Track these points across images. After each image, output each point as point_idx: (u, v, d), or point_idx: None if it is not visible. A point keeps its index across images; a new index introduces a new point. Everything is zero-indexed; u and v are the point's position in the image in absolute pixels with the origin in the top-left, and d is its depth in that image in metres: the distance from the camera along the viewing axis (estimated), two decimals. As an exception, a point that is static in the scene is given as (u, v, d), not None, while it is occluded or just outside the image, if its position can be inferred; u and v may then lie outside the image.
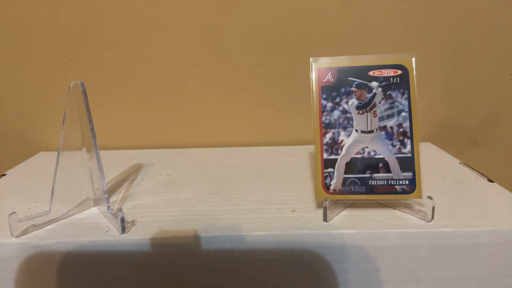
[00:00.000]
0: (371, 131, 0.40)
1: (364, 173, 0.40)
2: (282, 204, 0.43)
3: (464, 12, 0.62)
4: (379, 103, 0.40)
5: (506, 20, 0.63)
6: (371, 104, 0.40)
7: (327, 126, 0.41)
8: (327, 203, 0.39)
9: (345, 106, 0.41)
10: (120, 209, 0.37)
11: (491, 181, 0.48)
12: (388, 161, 0.40)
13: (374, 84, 0.40)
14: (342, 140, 0.40)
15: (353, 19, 0.62)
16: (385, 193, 0.40)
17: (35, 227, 0.38)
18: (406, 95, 0.40)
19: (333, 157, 0.40)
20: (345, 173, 0.40)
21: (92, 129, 0.39)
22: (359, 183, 0.40)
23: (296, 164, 0.57)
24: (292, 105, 0.66)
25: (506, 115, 0.68)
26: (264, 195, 0.46)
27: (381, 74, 0.40)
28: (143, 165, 0.57)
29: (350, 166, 0.40)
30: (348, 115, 0.40)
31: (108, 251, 0.36)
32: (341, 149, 0.40)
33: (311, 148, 0.63)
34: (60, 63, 0.63)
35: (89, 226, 0.39)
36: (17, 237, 0.36)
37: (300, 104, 0.65)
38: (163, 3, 0.61)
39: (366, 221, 0.39)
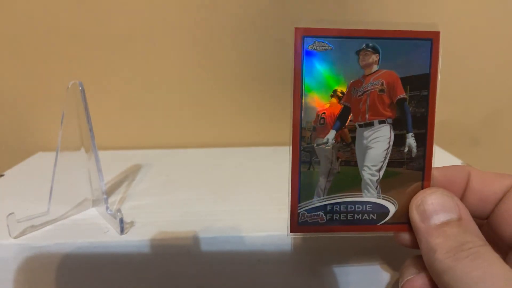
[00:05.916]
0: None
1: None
2: (282, 204, 0.43)
3: (465, 12, 0.62)
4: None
5: (507, 19, 0.63)
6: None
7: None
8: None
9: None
10: (119, 210, 0.37)
11: (493, 181, 0.47)
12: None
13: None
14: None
15: (353, 19, 0.62)
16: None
17: (34, 228, 0.38)
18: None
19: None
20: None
21: (91, 129, 0.39)
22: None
23: (296, 164, 0.56)
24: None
25: (507, 115, 0.68)
26: (264, 195, 0.45)
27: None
28: (143, 165, 0.57)
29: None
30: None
31: (107, 252, 0.36)
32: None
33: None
34: (59, 63, 0.63)
35: (88, 227, 0.39)
36: (15, 238, 0.36)
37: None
38: (163, 2, 0.61)
39: (367, 221, 0.38)
